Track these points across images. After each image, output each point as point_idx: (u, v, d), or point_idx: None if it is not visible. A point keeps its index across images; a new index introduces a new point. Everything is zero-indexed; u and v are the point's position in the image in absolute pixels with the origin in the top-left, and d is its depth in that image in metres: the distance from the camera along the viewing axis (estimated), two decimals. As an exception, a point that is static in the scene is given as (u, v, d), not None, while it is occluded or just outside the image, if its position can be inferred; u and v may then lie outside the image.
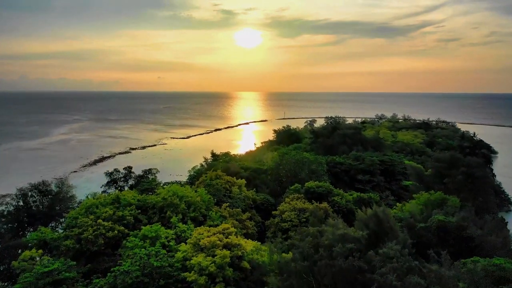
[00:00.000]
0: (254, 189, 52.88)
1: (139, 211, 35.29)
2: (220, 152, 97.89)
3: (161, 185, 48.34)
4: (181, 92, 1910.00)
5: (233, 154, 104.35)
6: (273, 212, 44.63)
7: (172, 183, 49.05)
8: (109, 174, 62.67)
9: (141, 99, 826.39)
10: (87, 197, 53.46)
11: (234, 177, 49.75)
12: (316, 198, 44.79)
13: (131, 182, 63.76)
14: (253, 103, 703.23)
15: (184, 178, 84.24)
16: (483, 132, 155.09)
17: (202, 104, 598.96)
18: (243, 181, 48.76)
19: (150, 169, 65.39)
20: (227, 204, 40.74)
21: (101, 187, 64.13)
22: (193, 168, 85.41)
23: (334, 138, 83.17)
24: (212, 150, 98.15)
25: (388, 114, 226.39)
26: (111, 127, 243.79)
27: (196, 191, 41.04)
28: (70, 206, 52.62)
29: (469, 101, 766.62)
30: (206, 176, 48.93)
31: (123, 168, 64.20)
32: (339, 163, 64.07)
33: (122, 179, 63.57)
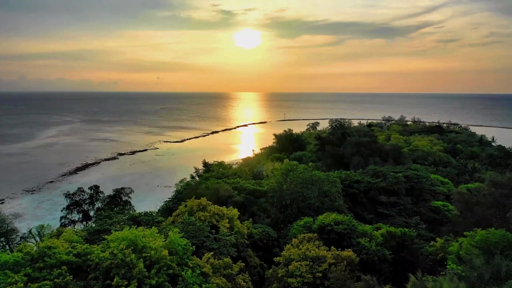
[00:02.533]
0: (251, 219, 40.76)
1: (71, 276, 22.96)
2: (214, 161, 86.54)
3: (125, 218, 35.90)
4: (180, 92, 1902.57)
5: (228, 163, 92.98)
6: (275, 259, 32.46)
7: (141, 215, 36.60)
8: (70, 195, 50.43)
9: (139, 99, 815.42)
10: (29, 231, 41.37)
11: (224, 207, 37.44)
12: (335, 240, 32.60)
13: (98, 204, 51.64)
14: (252, 103, 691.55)
15: (172, 190, 73.29)
16: (494, 135, 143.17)
17: (200, 105, 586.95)
18: (235, 212, 36.49)
19: (122, 189, 53.26)
20: (210, 254, 28.46)
21: (61, 210, 52.07)
22: (181, 181, 74.88)
23: (346, 147, 70.65)
24: (204, 160, 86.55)
25: (392, 115, 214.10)
26: (102, 130, 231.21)
27: (167, 233, 28.82)
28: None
29: (470, 101, 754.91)
30: (186, 206, 36.55)
31: (89, 188, 51.99)
32: (356, 181, 51.82)
33: (88, 201, 51.39)
